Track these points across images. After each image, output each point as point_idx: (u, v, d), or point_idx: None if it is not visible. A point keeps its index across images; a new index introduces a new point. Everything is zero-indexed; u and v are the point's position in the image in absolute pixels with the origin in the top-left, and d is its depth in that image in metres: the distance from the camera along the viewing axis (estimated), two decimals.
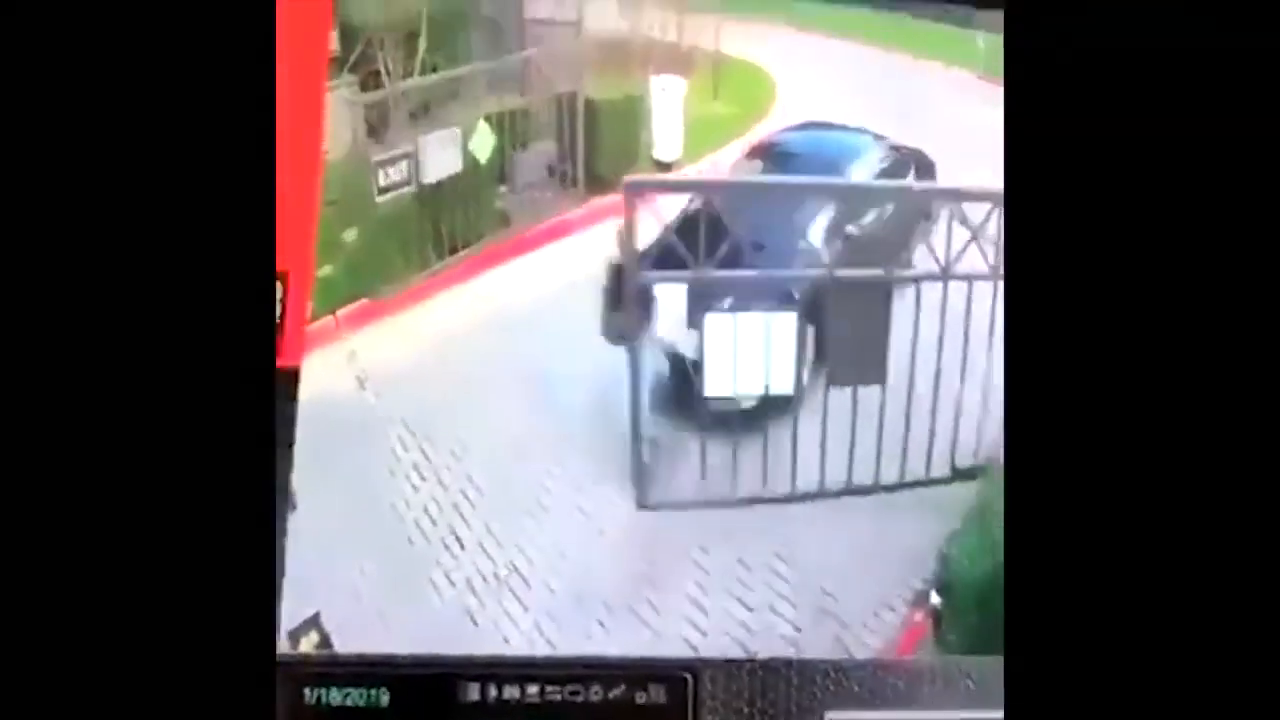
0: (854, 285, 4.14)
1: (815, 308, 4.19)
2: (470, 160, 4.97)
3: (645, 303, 4.20)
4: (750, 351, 4.09)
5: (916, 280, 4.18)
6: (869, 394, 4.14)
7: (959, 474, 4.17)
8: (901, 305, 4.19)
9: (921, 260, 4.25)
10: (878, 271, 4.18)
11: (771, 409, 4.12)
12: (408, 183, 4.84)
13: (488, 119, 5.04)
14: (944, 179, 4.87)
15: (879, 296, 4.16)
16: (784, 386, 4.09)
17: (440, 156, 4.93)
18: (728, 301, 4.16)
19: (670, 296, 4.24)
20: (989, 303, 4.05)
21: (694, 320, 4.18)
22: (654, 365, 4.25)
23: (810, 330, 4.18)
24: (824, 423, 4.12)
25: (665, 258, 4.22)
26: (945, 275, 4.16)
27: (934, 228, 4.20)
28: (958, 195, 4.18)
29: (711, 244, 4.22)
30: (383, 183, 4.78)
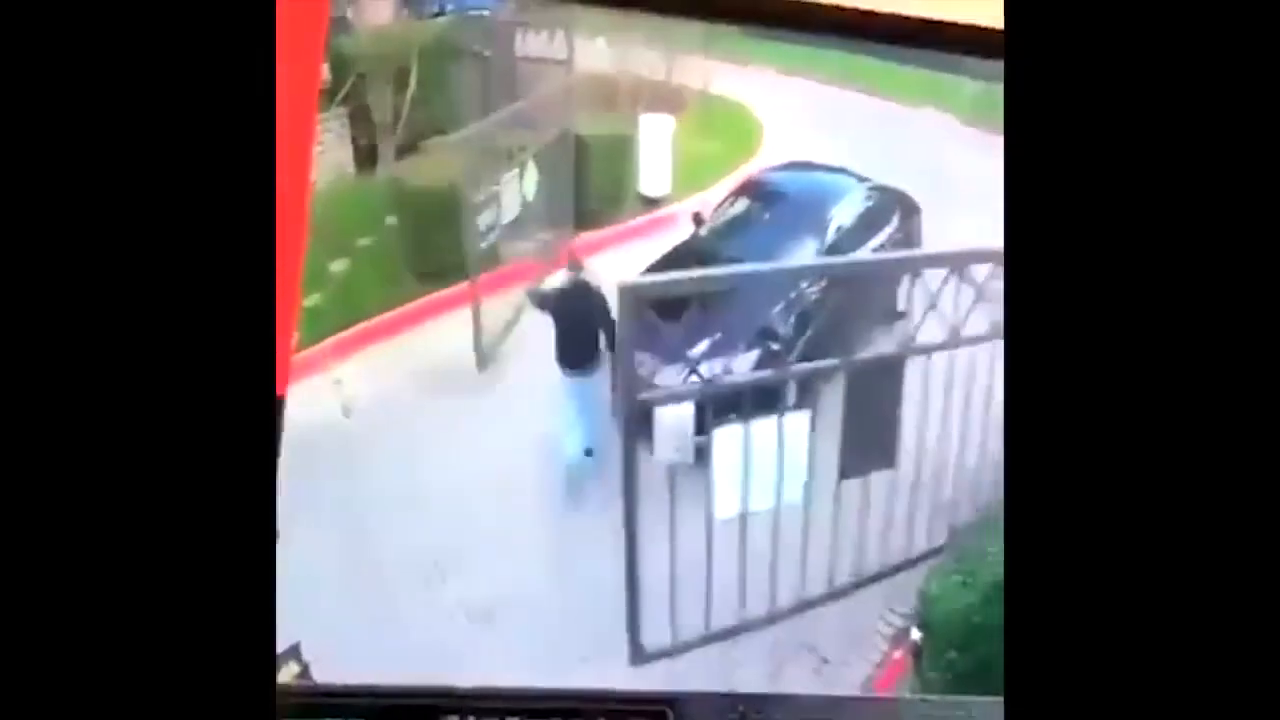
0: (866, 369, 3.92)
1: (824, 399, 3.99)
2: (523, 200, 5.06)
3: (643, 417, 3.90)
4: (763, 461, 3.82)
5: (928, 351, 3.99)
6: (878, 479, 3.96)
7: (956, 534, 4.04)
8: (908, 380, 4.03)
9: (926, 330, 4.03)
10: (891, 349, 4.02)
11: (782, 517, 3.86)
12: (495, 227, 4.88)
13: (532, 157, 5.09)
14: (928, 222, 4.97)
15: (892, 377, 3.95)
16: (795, 493, 3.84)
17: (512, 197, 5.02)
18: (733, 413, 3.86)
19: (671, 417, 3.95)
20: (987, 364, 3.94)
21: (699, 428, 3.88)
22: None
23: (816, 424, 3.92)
24: (835, 522, 3.88)
25: (658, 343, 3.96)
26: (955, 342, 4.00)
27: (936, 294, 4.00)
28: (959, 259, 4.04)
29: (702, 327, 4.07)
30: (483, 227, 4.83)
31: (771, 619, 3.78)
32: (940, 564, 3.72)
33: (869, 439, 3.87)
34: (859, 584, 3.89)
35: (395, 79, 5.52)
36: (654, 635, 3.76)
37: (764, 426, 3.80)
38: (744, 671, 3.65)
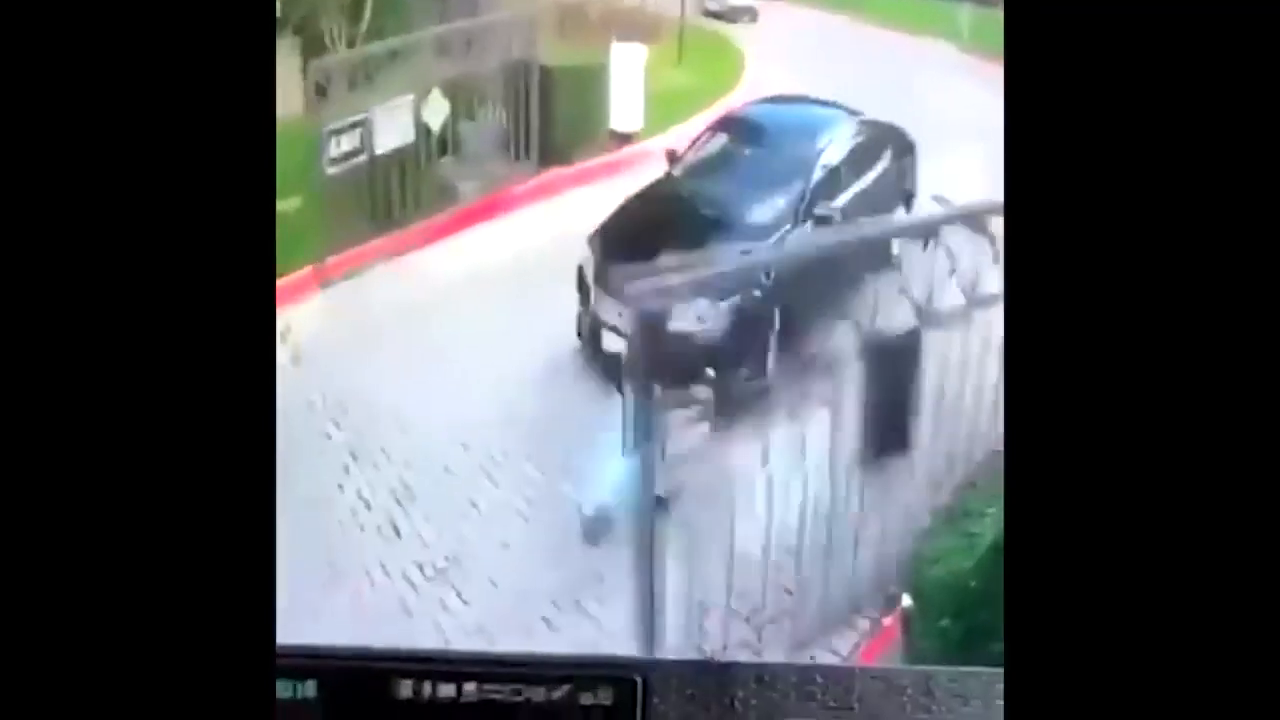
0: (884, 351, 3.67)
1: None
2: (422, 129, 4.89)
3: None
4: (780, 473, 3.53)
5: (945, 321, 3.75)
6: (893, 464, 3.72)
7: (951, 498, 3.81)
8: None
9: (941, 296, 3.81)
10: (912, 324, 3.73)
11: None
12: (360, 152, 4.75)
13: (427, 85, 4.93)
14: (924, 157, 4.79)
15: (911, 356, 3.71)
16: (816, 497, 3.56)
17: (393, 125, 4.85)
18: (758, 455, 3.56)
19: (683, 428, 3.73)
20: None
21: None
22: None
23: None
24: (857, 518, 3.65)
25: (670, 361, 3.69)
26: (973, 304, 3.76)
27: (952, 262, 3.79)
28: (972, 215, 3.83)
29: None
30: (334, 152, 4.70)
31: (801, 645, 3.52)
32: (933, 529, 3.58)
33: (884, 425, 3.64)
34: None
35: (350, 8, 5.23)
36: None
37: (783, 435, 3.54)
38: (716, 639, 3.46)
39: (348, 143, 4.75)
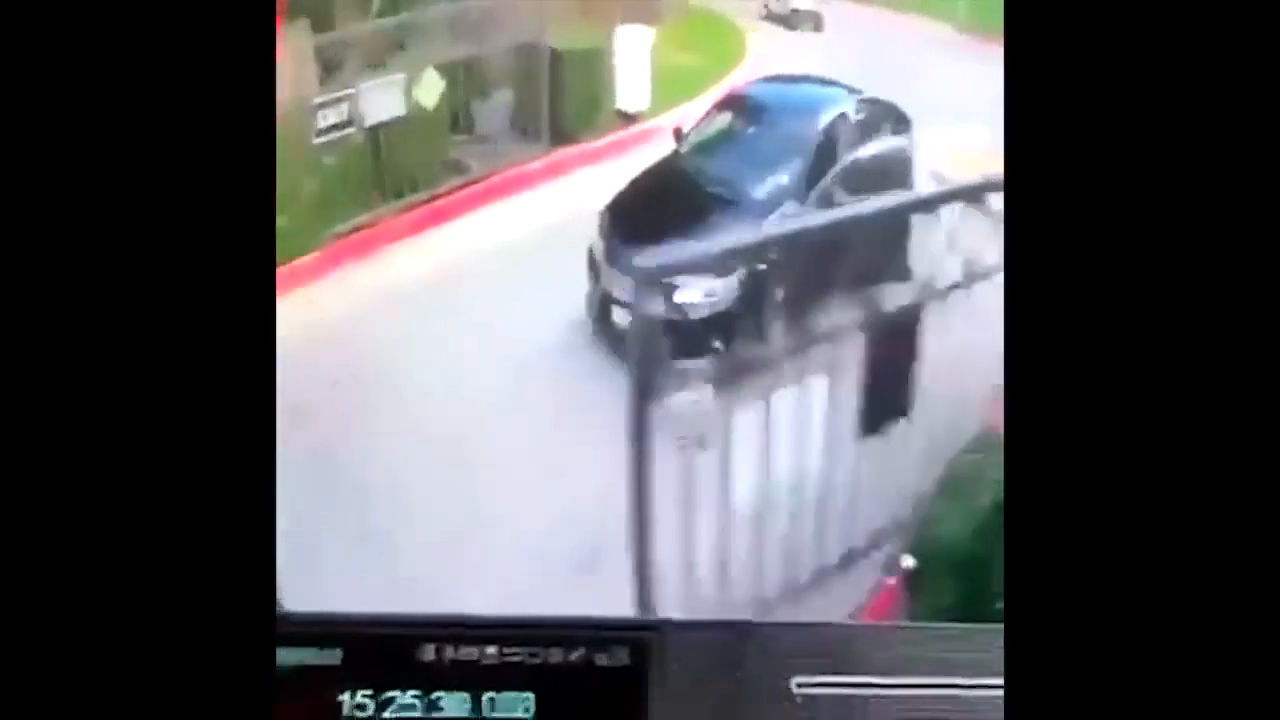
0: (885, 319, 3.74)
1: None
2: (416, 107, 4.91)
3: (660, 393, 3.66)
4: (780, 434, 3.61)
5: (946, 293, 3.81)
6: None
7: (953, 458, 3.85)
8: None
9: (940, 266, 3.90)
10: (912, 297, 3.82)
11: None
12: (348, 124, 4.77)
13: (438, 67, 4.96)
14: (921, 135, 4.80)
15: (909, 328, 3.76)
16: (814, 460, 3.66)
17: (382, 100, 4.85)
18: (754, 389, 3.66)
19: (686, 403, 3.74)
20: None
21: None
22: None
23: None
24: (854, 483, 3.70)
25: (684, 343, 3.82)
26: (973, 278, 3.81)
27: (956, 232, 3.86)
28: (972, 190, 3.86)
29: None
30: (322, 124, 4.72)
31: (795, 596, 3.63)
32: (935, 489, 3.61)
33: (884, 392, 3.72)
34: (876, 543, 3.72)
35: None
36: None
37: (783, 396, 3.61)
38: (730, 600, 3.53)
39: (335, 116, 4.76)
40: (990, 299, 3.73)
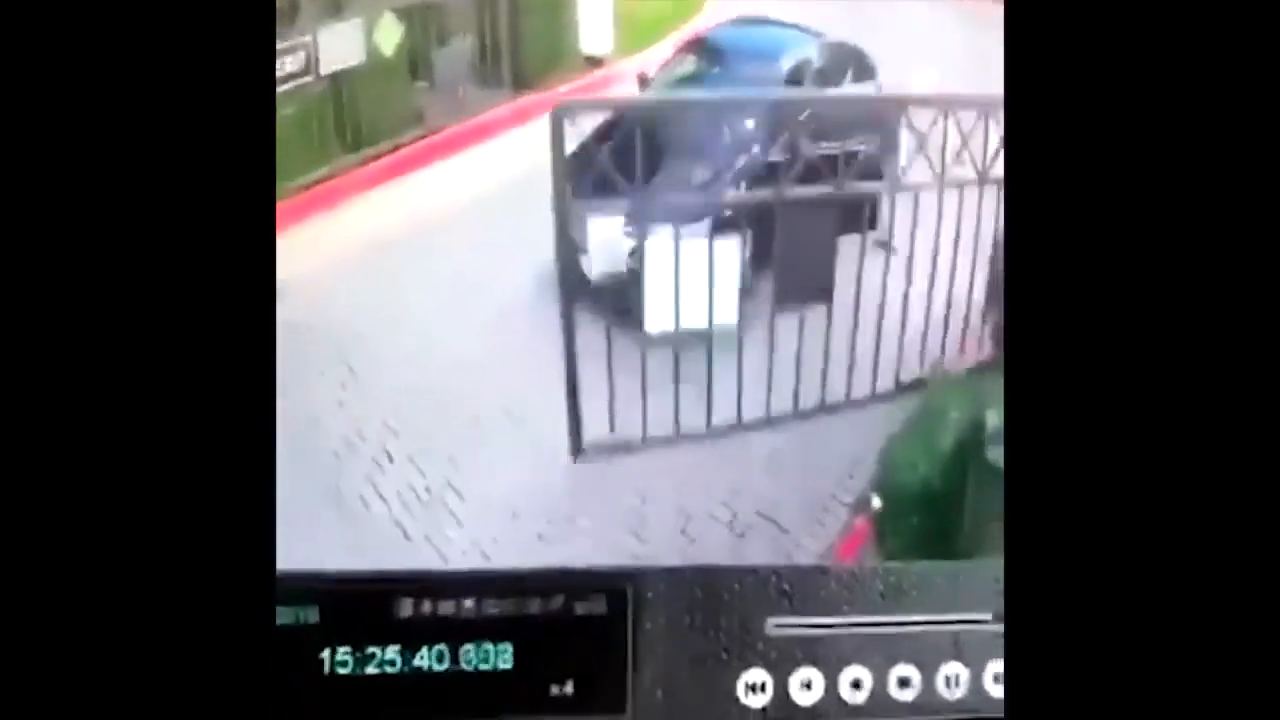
0: (802, 204, 4.00)
1: (761, 228, 4.07)
2: (375, 53, 4.84)
3: (579, 232, 4.03)
4: (693, 280, 3.96)
5: (913, 189, 4.09)
6: (814, 315, 4.05)
7: (902, 388, 4.12)
8: (848, 220, 4.11)
9: (912, 171, 4.11)
10: (827, 189, 4.04)
11: (716, 339, 3.99)
12: (306, 73, 4.69)
13: (396, 11, 4.89)
14: (885, 79, 4.80)
15: (828, 213, 4.04)
16: (728, 315, 4.01)
17: (340, 47, 4.77)
18: (668, 226, 4.00)
19: (604, 229, 4.09)
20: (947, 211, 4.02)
21: (632, 248, 4.06)
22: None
23: (750, 252, 4.09)
24: (770, 349, 4.01)
25: (599, 182, 3.98)
26: (941, 182, 4.05)
27: (924, 137, 4.03)
28: (948, 102, 4.00)
29: (648, 163, 4.05)
30: (279, 73, 4.58)
31: (710, 435, 3.96)
32: (901, 428, 3.65)
33: (803, 273, 4.04)
34: (796, 417, 4.04)
35: None
36: (595, 433, 3.88)
37: (694, 246, 3.98)
38: (700, 546, 3.59)
39: (293, 64, 4.66)
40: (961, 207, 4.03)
